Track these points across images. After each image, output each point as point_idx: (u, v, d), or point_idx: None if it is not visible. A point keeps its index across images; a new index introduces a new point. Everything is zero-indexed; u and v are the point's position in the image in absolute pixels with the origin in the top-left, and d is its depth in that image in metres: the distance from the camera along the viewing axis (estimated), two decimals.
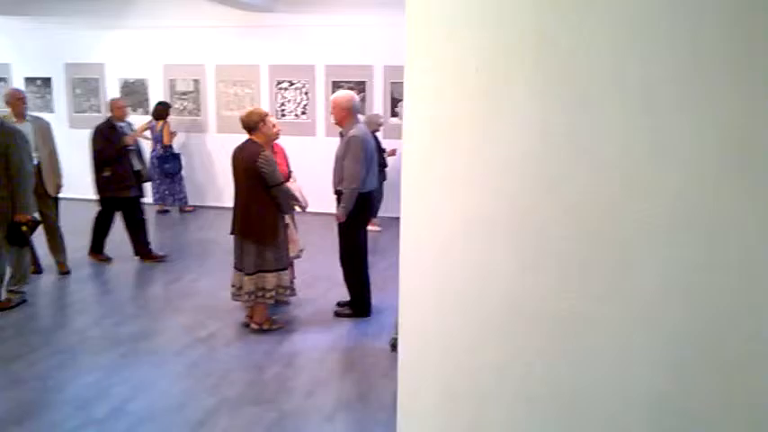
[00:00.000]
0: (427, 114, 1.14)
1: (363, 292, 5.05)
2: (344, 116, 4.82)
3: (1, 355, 4.33)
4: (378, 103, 9.07)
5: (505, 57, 1.06)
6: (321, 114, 9.24)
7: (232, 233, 4.67)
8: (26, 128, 5.66)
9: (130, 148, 6.42)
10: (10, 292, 5.19)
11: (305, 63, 9.20)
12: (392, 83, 8.96)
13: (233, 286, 4.71)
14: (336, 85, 8.71)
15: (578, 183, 1.05)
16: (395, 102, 9.03)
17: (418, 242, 1.18)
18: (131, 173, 6.39)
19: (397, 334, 4.41)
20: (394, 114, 9.05)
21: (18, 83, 10.23)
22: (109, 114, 6.58)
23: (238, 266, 4.65)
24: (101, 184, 6.35)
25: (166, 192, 9.11)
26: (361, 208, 4.83)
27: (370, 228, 5.52)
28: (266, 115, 4.55)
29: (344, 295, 5.13)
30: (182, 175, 9.24)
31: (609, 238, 1.05)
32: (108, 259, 6.64)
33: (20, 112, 5.84)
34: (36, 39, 10.08)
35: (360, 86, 8.98)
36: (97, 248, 6.65)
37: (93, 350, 4.38)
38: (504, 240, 1.11)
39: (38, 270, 5.95)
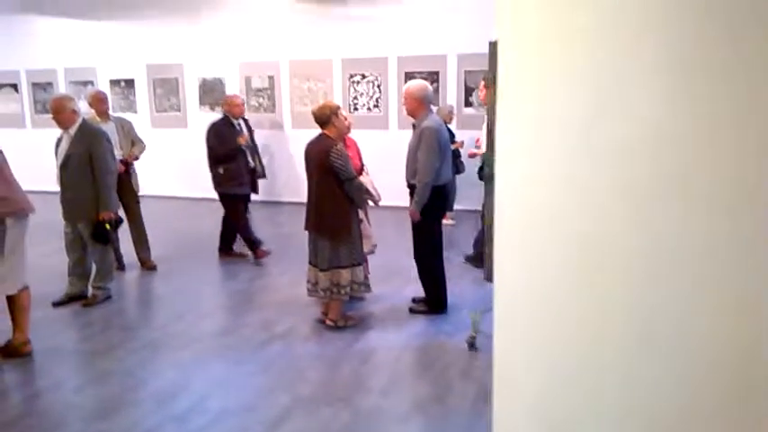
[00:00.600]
0: (528, 108, 0.99)
1: (438, 288, 4.91)
2: (417, 107, 4.68)
3: (88, 351, 4.48)
4: (451, 93, 8.86)
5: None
6: (394, 107, 9.14)
7: (306, 229, 4.64)
8: (109, 127, 5.85)
9: (245, 145, 6.34)
10: (95, 288, 5.38)
11: (377, 55, 9.11)
12: (466, 71, 8.73)
13: (309, 282, 4.68)
14: (409, 76, 8.56)
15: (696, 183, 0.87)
16: (469, 91, 8.80)
17: (514, 245, 1.04)
18: (246, 170, 6.35)
19: (475, 332, 4.25)
20: (468, 104, 8.83)
21: (103, 85, 10.68)
22: (224, 111, 6.49)
23: (313, 262, 4.61)
24: (216, 180, 6.35)
25: None
26: (436, 201, 4.68)
27: (444, 221, 5.37)
28: (338, 109, 4.48)
29: (419, 291, 5.01)
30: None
31: (754, 246, 0.87)
32: (243, 255, 6.66)
33: (103, 112, 6.04)
34: (119, 42, 10.49)
35: (433, 76, 8.80)
36: (226, 247, 6.67)
37: (175, 346, 4.45)
38: (615, 245, 0.95)
39: (121, 267, 6.15)
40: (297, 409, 3.52)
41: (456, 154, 7.35)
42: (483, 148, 5.86)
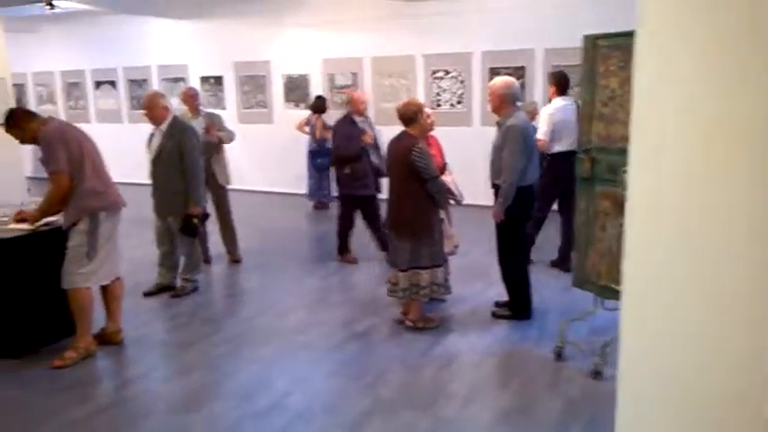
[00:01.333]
0: (667, 107, 0.85)
1: (523, 292, 4.72)
2: (502, 104, 4.51)
3: (175, 342, 4.62)
4: (538, 89, 8.57)
5: None
6: (477, 103, 8.94)
7: (386, 228, 4.57)
8: (199, 123, 6.00)
9: (369, 144, 6.08)
10: (183, 280, 5.54)
11: (461, 51, 8.93)
12: (554, 66, 8.41)
13: (389, 282, 4.62)
14: (494, 72, 8.34)
15: None
16: None
17: (644, 254, 0.91)
18: (370, 170, 6.06)
19: (562, 342, 4.05)
20: None
21: (194, 82, 11.05)
22: (348, 109, 6.27)
23: (393, 262, 4.54)
24: (341, 181, 6.17)
25: (315, 187, 9.26)
26: (521, 202, 4.49)
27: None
28: (423, 106, 4.38)
29: (503, 294, 4.83)
30: (329, 171, 9.31)
31: None
32: (355, 260, 6.38)
33: (193, 108, 6.21)
34: (209, 40, 10.81)
35: (519, 72, 8.54)
36: (343, 249, 6.42)
37: (257, 341, 4.50)
38: (752, 247, 0.81)
39: (207, 260, 6.31)
40: (377, 412, 3.46)
41: (541, 152, 7.07)
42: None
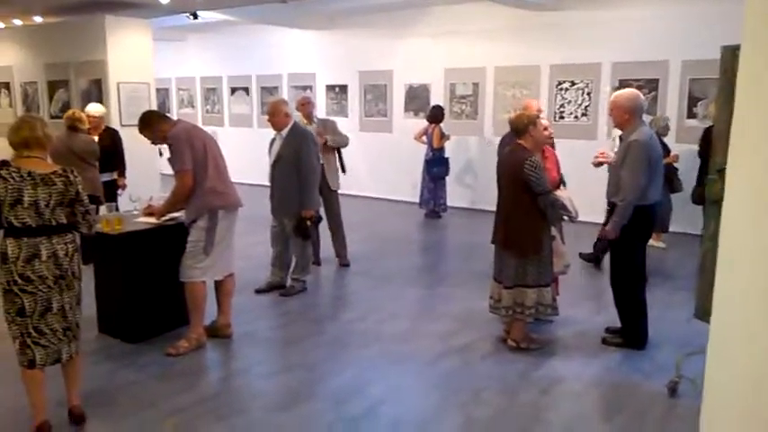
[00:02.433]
0: None
1: (638, 319, 4.39)
2: (626, 118, 4.24)
3: (279, 340, 4.76)
4: (672, 103, 8.01)
5: None
6: (603, 116, 8.51)
7: (493, 242, 4.44)
8: (312, 129, 6.17)
9: None
10: (293, 279, 5.71)
11: (589, 61, 8.55)
12: (691, 79, 7.82)
13: (491, 298, 4.48)
14: (623, 84, 7.90)
15: None
16: (693, 101, 7.87)
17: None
18: None
19: (678, 377, 3.71)
20: (691, 115, 7.90)
21: (320, 90, 11.44)
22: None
23: (497, 278, 4.40)
24: None
25: (429, 196, 9.22)
26: (640, 223, 4.18)
27: (652, 242, 4.80)
28: (537, 118, 4.21)
29: (615, 320, 4.53)
30: (446, 180, 9.24)
31: None
32: None
33: (307, 116, 6.40)
34: (336, 50, 11.16)
35: (651, 85, 8.03)
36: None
37: (357, 345, 4.54)
38: None
39: (317, 262, 6.46)
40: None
41: (672, 170, 6.59)
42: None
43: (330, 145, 6.36)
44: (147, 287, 4.52)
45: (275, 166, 5.49)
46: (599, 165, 4.89)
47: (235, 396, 3.79)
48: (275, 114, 5.43)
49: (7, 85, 10.49)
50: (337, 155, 6.54)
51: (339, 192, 6.59)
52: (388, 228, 8.73)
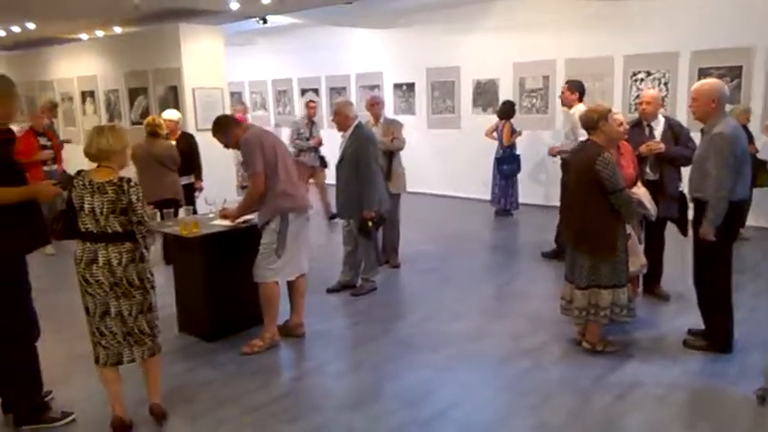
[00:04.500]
0: None
1: (724, 321, 4.17)
2: (710, 110, 4.03)
3: (350, 339, 4.82)
4: (758, 92, 7.56)
5: None
6: (683, 107, 8.12)
7: (564, 241, 4.32)
8: (379, 130, 6.19)
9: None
10: (363, 279, 5.76)
11: (667, 50, 8.18)
12: None
13: (562, 299, 4.37)
14: (703, 73, 7.52)
15: None
16: None
17: None
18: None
19: None
20: None
21: (388, 89, 11.48)
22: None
23: (569, 278, 4.28)
24: None
25: (500, 193, 9.06)
26: (727, 219, 3.96)
27: None
28: (608, 113, 4.06)
29: (698, 322, 4.32)
30: (517, 177, 9.06)
31: None
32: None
33: (375, 116, 6.42)
34: (402, 48, 11.15)
35: (733, 73, 7.60)
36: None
37: (425, 345, 4.53)
38: None
39: (380, 262, 6.43)
40: None
41: (757, 162, 6.21)
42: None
43: (389, 148, 6.28)
44: (223, 288, 4.67)
45: (339, 166, 5.56)
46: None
47: (307, 395, 3.87)
48: (338, 115, 5.52)
49: (92, 94, 11.09)
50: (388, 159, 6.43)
51: (408, 189, 6.55)
52: (457, 226, 8.66)
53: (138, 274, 3.26)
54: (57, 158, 7.55)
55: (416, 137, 9.89)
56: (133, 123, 9.87)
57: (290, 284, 4.74)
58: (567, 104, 6.38)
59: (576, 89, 6.38)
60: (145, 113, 9.36)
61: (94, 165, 3.29)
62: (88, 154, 3.27)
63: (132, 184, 3.22)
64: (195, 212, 5.07)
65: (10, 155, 3.45)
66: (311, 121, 8.98)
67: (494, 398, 3.76)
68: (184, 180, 6.73)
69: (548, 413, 3.52)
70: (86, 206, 3.18)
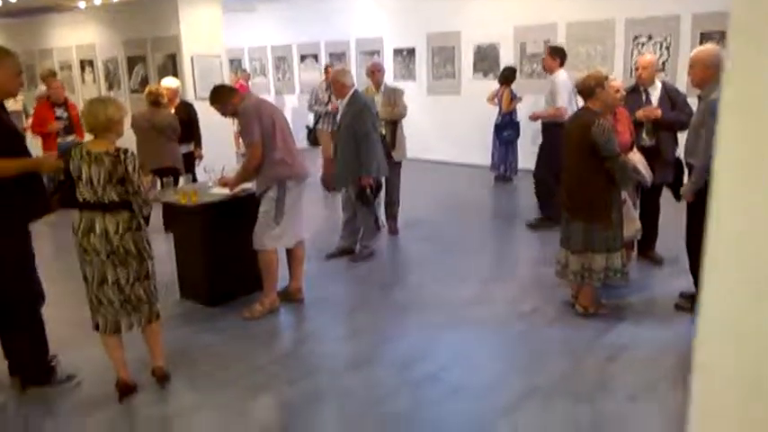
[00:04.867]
0: None
1: None
2: (707, 76, 4.03)
3: (348, 304, 4.91)
4: None
5: None
6: (683, 73, 8.06)
7: (561, 206, 4.37)
8: (379, 98, 6.18)
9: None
10: (361, 246, 5.83)
11: (669, 13, 8.08)
12: None
13: (557, 263, 4.43)
14: (705, 38, 7.45)
15: None
16: None
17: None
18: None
19: None
20: None
21: (388, 54, 11.38)
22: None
23: (564, 243, 4.34)
24: None
25: (500, 159, 9.07)
26: None
27: None
28: (605, 79, 4.07)
29: (690, 286, 4.39)
30: (517, 143, 9.04)
31: None
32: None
33: (376, 83, 6.41)
34: (403, 13, 11.03)
35: None
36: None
37: (422, 310, 4.61)
38: None
39: (378, 227, 6.49)
40: (532, 399, 3.37)
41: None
42: None
43: (389, 118, 6.30)
44: (223, 254, 4.74)
45: (337, 134, 5.58)
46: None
47: (306, 358, 3.97)
48: (335, 84, 5.52)
49: (91, 63, 11.04)
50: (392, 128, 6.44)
51: (408, 156, 6.57)
52: (457, 192, 8.70)
53: (134, 242, 3.32)
54: (77, 130, 7.45)
55: (417, 103, 9.84)
56: (132, 92, 9.85)
57: (289, 251, 4.81)
58: (549, 70, 6.41)
59: (558, 55, 6.41)
60: (144, 82, 9.34)
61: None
62: (88, 124, 3.31)
63: (129, 154, 3.26)
64: (195, 181, 5.12)
65: (11, 126, 3.49)
66: (330, 87, 8.75)
67: (487, 361, 3.85)
68: (184, 149, 6.76)
69: (540, 375, 3.61)
70: (84, 176, 3.23)
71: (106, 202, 3.24)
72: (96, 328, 3.42)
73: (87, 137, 3.89)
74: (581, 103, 4.32)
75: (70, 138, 7.39)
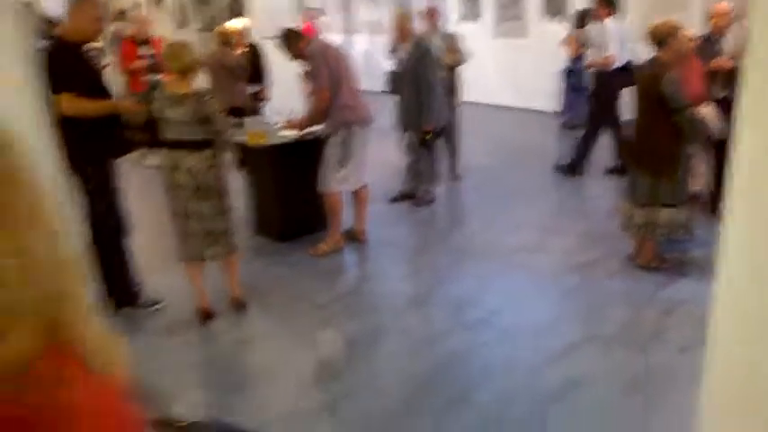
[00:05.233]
0: None
1: None
2: None
3: (408, 246, 5.09)
4: None
5: None
6: None
7: (628, 158, 4.35)
8: (436, 42, 6.13)
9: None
10: (423, 191, 5.94)
11: None
12: None
13: (622, 215, 4.44)
14: None
15: None
16: None
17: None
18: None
19: None
20: None
21: None
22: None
23: (630, 196, 4.33)
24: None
25: (567, 105, 8.86)
26: None
27: None
28: (677, 29, 3.95)
29: None
30: (586, 91, 8.76)
31: None
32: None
33: (433, 26, 6.34)
34: None
35: None
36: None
37: (480, 255, 4.74)
38: None
39: (439, 173, 6.51)
40: (586, 345, 3.48)
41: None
42: None
43: (451, 63, 6.27)
44: (292, 193, 4.96)
45: (399, 79, 5.62)
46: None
47: (367, 296, 4.19)
48: (395, 29, 5.54)
49: (160, 1, 11.25)
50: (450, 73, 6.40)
51: (469, 99, 6.54)
52: (519, 138, 8.63)
53: (216, 178, 3.58)
54: (161, 68, 7.25)
55: (481, 45, 9.67)
56: (200, 30, 10.04)
57: (354, 193, 4.97)
58: (599, 18, 6.27)
59: (608, 3, 6.31)
60: (212, 21, 9.48)
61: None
62: (172, 67, 3.49)
63: (210, 96, 3.47)
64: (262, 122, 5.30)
65: (91, 67, 3.71)
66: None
67: (542, 307, 3.97)
68: (251, 89, 6.94)
69: (594, 324, 3.71)
70: (168, 116, 3.44)
71: (190, 140, 3.46)
72: (181, 258, 3.71)
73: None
74: (636, 51, 4.23)
75: (158, 76, 7.29)
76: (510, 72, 10.53)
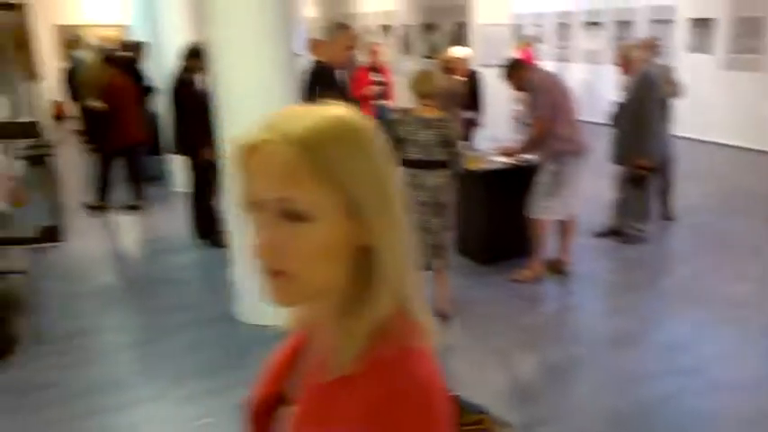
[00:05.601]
0: None
1: None
2: None
3: (614, 284, 5.01)
4: None
5: None
6: None
7: None
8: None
9: None
10: (632, 228, 5.76)
11: None
12: None
13: None
14: None
15: None
16: None
17: None
18: None
19: None
20: None
21: (681, 24, 10.53)
22: None
23: None
24: None
25: None
26: None
27: None
28: None
29: None
30: None
31: None
32: None
33: (652, 57, 6.09)
34: None
35: None
36: None
37: (689, 300, 4.52)
38: None
39: (651, 212, 6.22)
40: None
41: None
42: None
43: (668, 96, 5.99)
44: (499, 218, 5.14)
45: (619, 110, 5.53)
46: None
47: (568, 326, 4.23)
48: (619, 59, 5.46)
49: (388, 28, 12.16)
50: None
51: (689, 135, 6.21)
52: (746, 182, 7.92)
53: (449, 196, 3.96)
54: (388, 94, 7.85)
55: (708, 78, 9.07)
56: (422, 57, 10.67)
57: (561, 223, 5.01)
58: None
59: None
60: (434, 49, 10.04)
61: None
62: (419, 92, 3.91)
63: (452, 121, 3.87)
64: (474, 148, 5.55)
65: (342, 89, 4.25)
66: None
67: (754, 363, 3.71)
68: (468, 116, 7.23)
69: None
70: (418, 139, 3.86)
71: (432, 160, 3.85)
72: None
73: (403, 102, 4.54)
74: None
75: (383, 102, 7.76)
76: (740, 108, 9.69)
